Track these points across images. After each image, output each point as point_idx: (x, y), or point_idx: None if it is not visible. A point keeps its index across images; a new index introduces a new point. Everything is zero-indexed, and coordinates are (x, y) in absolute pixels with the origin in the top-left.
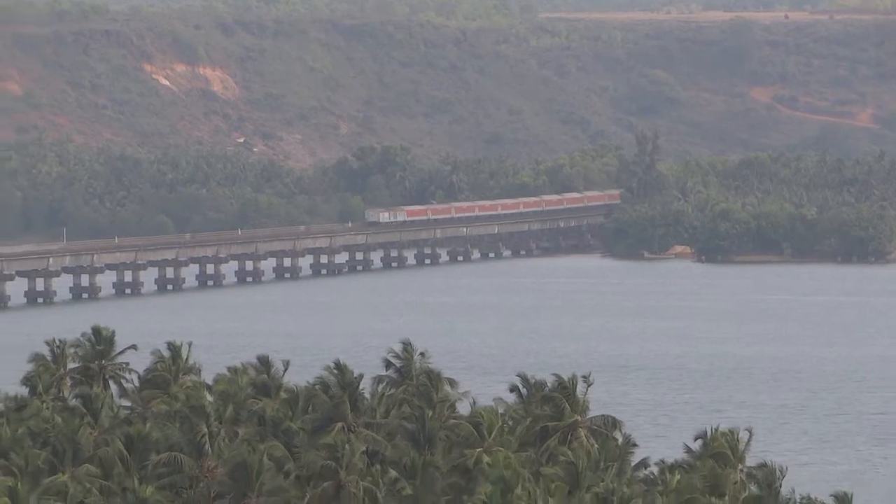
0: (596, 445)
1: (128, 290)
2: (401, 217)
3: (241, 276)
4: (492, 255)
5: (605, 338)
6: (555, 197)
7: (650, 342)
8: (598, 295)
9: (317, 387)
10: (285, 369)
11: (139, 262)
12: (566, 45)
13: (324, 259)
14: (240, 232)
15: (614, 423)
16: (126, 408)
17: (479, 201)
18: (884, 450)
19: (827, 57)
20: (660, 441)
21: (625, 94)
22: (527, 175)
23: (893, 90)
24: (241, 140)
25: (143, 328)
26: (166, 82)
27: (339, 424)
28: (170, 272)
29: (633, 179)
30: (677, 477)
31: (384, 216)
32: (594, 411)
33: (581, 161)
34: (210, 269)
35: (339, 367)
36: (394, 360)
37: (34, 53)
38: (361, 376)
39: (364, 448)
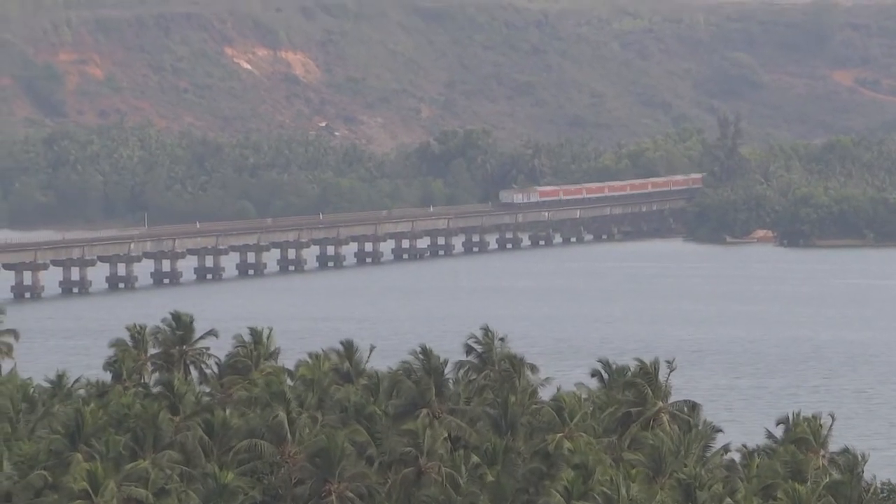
0: (678, 431)
1: (209, 276)
2: (534, 198)
3: (323, 261)
4: (573, 239)
5: (682, 322)
6: (639, 181)
7: (727, 326)
8: (678, 279)
9: (401, 372)
10: (370, 354)
11: (220, 247)
12: (648, 27)
13: (405, 244)
14: (321, 216)
15: (695, 409)
16: (207, 394)
17: (586, 184)
18: None
19: None
20: (735, 426)
21: (707, 77)
22: (609, 158)
23: None
24: (323, 124)
25: (223, 313)
26: (248, 66)
27: (425, 411)
28: (251, 257)
29: (716, 163)
30: (758, 461)
31: (518, 197)
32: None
33: (663, 145)
34: (291, 254)
35: (426, 352)
36: (475, 346)
37: (116, 37)
38: (447, 362)
39: (446, 434)
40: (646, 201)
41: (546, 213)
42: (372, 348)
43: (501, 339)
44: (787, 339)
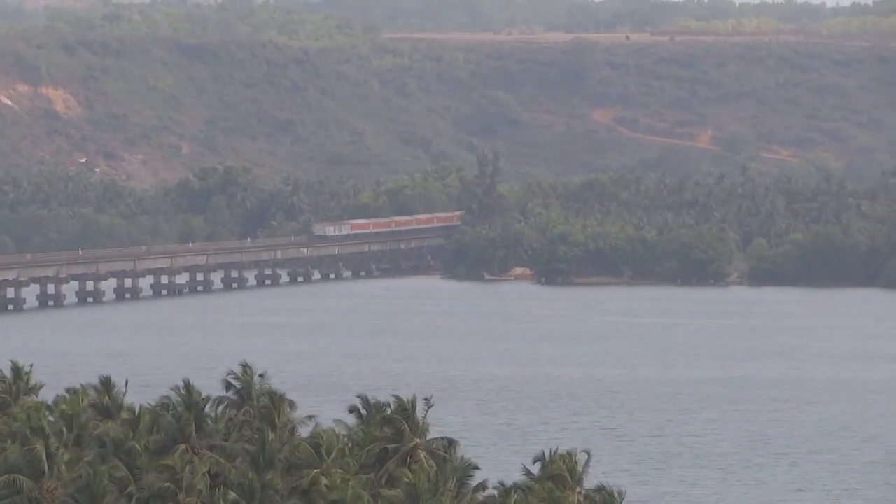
0: (435, 468)
1: None
2: (345, 230)
3: (82, 297)
4: (332, 276)
5: (434, 359)
6: (403, 218)
7: (478, 364)
8: (433, 316)
9: (160, 407)
10: (125, 390)
11: None
12: (408, 65)
13: (164, 279)
14: (80, 252)
15: (452, 445)
16: None
17: (346, 223)
18: (701, 472)
19: (667, 78)
20: (490, 463)
21: (466, 115)
22: (368, 196)
23: (733, 112)
24: (83, 160)
25: None
26: (8, 101)
27: (184, 446)
28: (10, 292)
29: (474, 201)
30: (515, 498)
31: (330, 230)
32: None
33: (422, 182)
34: (51, 289)
35: (187, 387)
36: (234, 382)
37: None
38: (208, 398)
39: (206, 470)
40: (405, 238)
41: (304, 250)
42: (126, 382)
43: (261, 376)
44: (537, 376)
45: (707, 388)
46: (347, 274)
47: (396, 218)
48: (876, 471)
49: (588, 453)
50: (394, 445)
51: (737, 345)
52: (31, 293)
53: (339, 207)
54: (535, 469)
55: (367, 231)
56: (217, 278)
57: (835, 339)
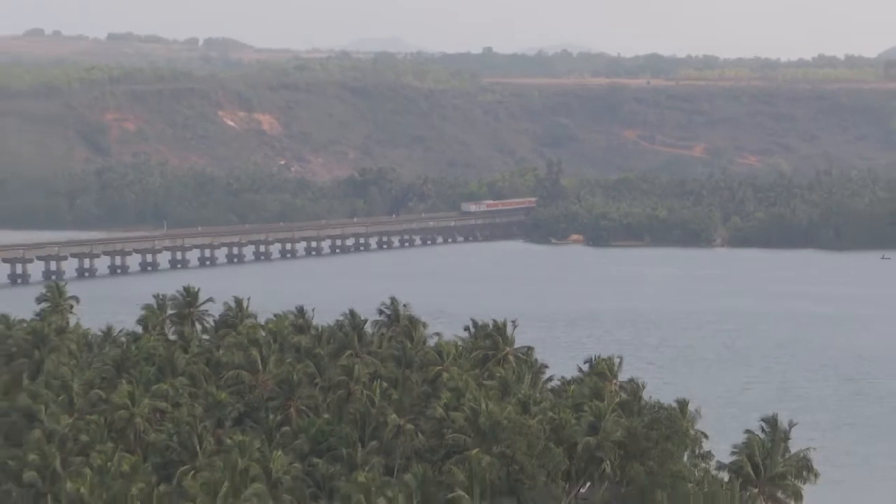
0: (519, 366)
1: (207, 262)
2: (482, 208)
3: (283, 254)
4: (449, 239)
5: (518, 295)
6: (500, 201)
7: (546, 298)
8: (518, 268)
9: (335, 326)
10: (313, 315)
11: (214, 244)
12: (500, 99)
13: (338, 242)
14: (281, 224)
15: (529, 351)
16: (206, 340)
17: (487, 200)
18: (691, 369)
19: (674, 109)
20: (556, 366)
21: (539, 133)
22: (473, 186)
23: (718, 131)
24: (282, 162)
25: (217, 288)
26: (232, 123)
27: (350, 352)
28: (235, 250)
29: (544, 190)
30: (571, 387)
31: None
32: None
33: (510, 178)
34: (262, 248)
35: (352, 313)
36: (385, 309)
37: (144, 103)
38: (366, 320)
39: (367, 368)
40: (499, 215)
41: (431, 222)
42: (314, 310)
43: (404, 306)
44: (587, 307)
45: (698, 316)
46: (461, 238)
47: (501, 200)
48: (811, 368)
49: (621, 358)
50: (492, 352)
51: (718, 286)
52: (248, 251)
53: (454, 194)
54: (585, 368)
55: (494, 209)
56: (373, 242)
57: (784, 284)
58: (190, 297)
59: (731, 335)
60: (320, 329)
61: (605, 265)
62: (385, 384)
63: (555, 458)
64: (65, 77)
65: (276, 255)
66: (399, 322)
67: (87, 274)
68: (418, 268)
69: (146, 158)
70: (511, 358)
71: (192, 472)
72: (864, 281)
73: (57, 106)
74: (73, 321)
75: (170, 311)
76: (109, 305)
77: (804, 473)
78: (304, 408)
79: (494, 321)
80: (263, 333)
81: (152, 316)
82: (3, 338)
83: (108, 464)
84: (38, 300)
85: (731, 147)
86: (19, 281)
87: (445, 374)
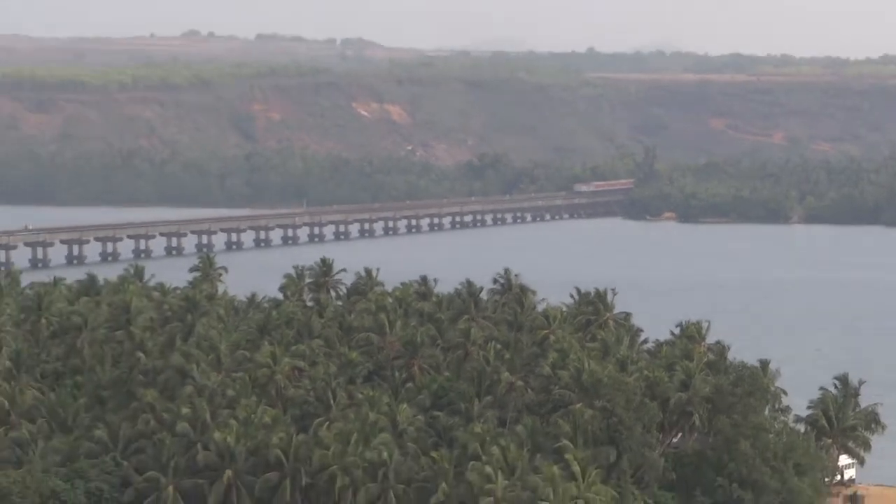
0: (618, 330)
1: (341, 237)
2: (592, 188)
3: (409, 229)
4: (556, 216)
5: (617, 264)
6: (603, 182)
7: (642, 268)
8: (615, 241)
9: (453, 294)
10: (434, 284)
11: (348, 220)
12: (601, 93)
13: (458, 219)
14: (407, 202)
15: (628, 317)
16: (340, 306)
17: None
18: (773, 337)
19: (756, 101)
20: (650, 329)
21: (637, 123)
22: (577, 170)
23: (796, 121)
24: (409, 148)
25: (350, 259)
26: (365, 113)
27: (467, 316)
28: (366, 226)
29: (641, 173)
30: (664, 349)
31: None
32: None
33: (611, 162)
34: (391, 224)
35: (469, 282)
36: (499, 278)
37: (287, 95)
38: (482, 288)
39: (483, 332)
40: (600, 195)
41: (540, 202)
42: (436, 281)
43: (516, 275)
44: (678, 275)
45: (776, 285)
46: (566, 216)
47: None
48: (879, 332)
49: (708, 322)
50: (594, 317)
51: (795, 258)
52: (378, 227)
53: (561, 177)
54: (676, 331)
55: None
56: (489, 218)
57: (853, 257)
58: (325, 267)
59: (805, 302)
60: (441, 296)
61: (694, 239)
62: (498, 345)
63: (650, 411)
64: (218, 73)
65: (402, 230)
66: (511, 290)
67: (234, 247)
68: (529, 242)
69: (289, 144)
70: (611, 322)
71: (327, 423)
72: None
73: (210, 98)
74: (221, 289)
75: (308, 280)
76: (254, 275)
77: (872, 426)
78: (426, 366)
79: (596, 289)
80: (390, 300)
81: (292, 284)
82: (159, 303)
83: (252, 416)
84: (191, 270)
85: (807, 135)
86: (174, 252)
87: (552, 337)
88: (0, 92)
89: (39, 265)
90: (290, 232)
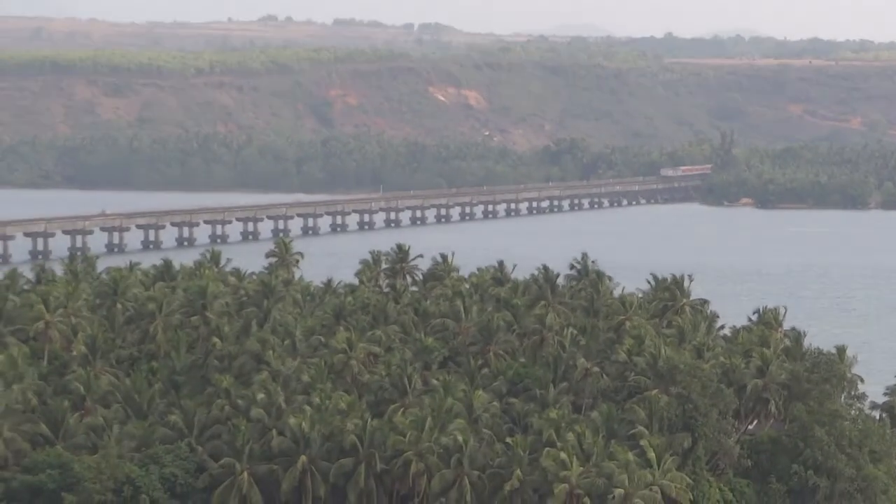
0: (694, 317)
1: (418, 222)
2: (679, 173)
3: (486, 214)
4: (633, 202)
5: (696, 250)
6: (683, 167)
7: (720, 254)
8: (693, 226)
9: (530, 279)
10: (513, 269)
11: (424, 205)
12: (679, 78)
13: (534, 204)
14: (484, 188)
15: (705, 303)
16: (416, 291)
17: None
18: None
19: (834, 86)
20: (729, 316)
21: (714, 108)
22: (655, 156)
23: (875, 107)
24: (486, 133)
25: (426, 245)
26: (442, 98)
27: (543, 302)
28: (443, 211)
29: (718, 159)
30: (741, 334)
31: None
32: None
33: (689, 147)
34: (467, 209)
35: (546, 267)
36: (576, 264)
37: (364, 80)
38: (559, 273)
39: (559, 317)
40: (677, 180)
41: (618, 187)
42: (514, 267)
43: (593, 261)
44: (757, 261)
45: (854, 270)
46: (643, 201)
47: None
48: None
49: (785, 308)
50: (670, 303)
51: (872, 244)
52: (455, 212)
53: (638, 163)
54: (753, 318)
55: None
56: (566, 204)
57: None
58: (402, 253)
59: (881, 288)
60: (517, 282)
61: (772, 225)
62: (574, 331)
63: (726, 398)
64: (295, 58)
65: (479, 215)
66: (588, 276)
67: (310, 232)
68: (606, 227)
69: (366, 129)
70: (687, 309)
71: (402, 409)
72: None
73: (288, 83)
74: (297, 274)
75: (384, 266)
76: (330, 260)
77: None
78: (501, 352)
79: (673, 275)
80: (467, 286)
81: (368, 270)
82: (235, 289)
83: (327, 401)
84: (268, 255)
85: (885, 120)
86: (251, 238)
87: (628, 323)
88: (77, 77)
89: (116, 250)
90: (366, 217)
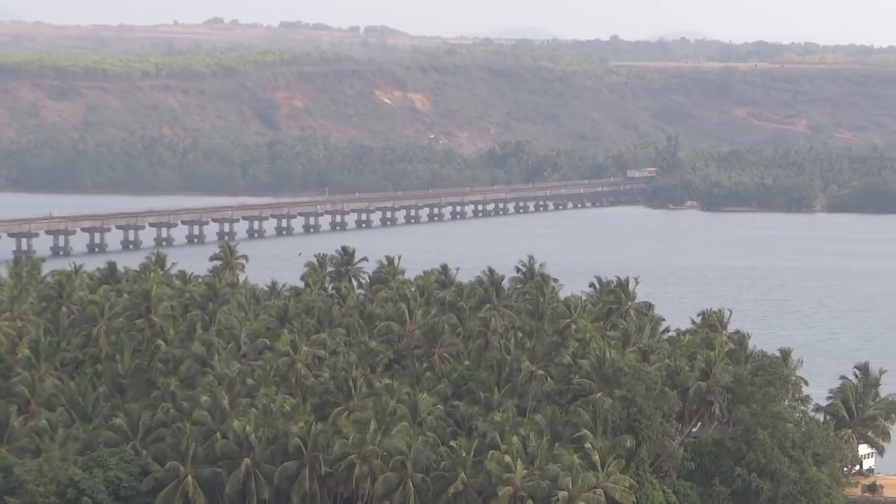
0: (639, 319)
1: (363, 225)
2: (642, 174)
3: (431, 217)
4: (578, 205)
5: (639, 253)
6: (646, 169)
7: (663, 256)
8: (638, 229)
9: (475, 282)
10: (455, 272)
11: (370, 208)
12: (625, 81)
13: (480, 207)
14: (430, 191)
15: (649, 306)
16: (361, 295)
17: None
18: (802, 326)
19: (779, 89)
20: (672, 317)
21: (659, 111)
22: (600, 158)
23: (820, 109)
24: (432, 136)
25: (372, 248)
26: (388, 101)
27: (488, 305)
28: (388, 214)
29: (664, 162)
30: (686, 337)
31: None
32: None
33: (633, 151)
34: (413, 212)
35: (491, 270)
36: (521, 267)
37: (310, 83)
38: (504, 276)
39: (504, 320)
40: (622, 183)
41: (563, 189)
42: (458, 270)
43: (540, 264)
44: (700, 264)
45: (797, 272)
46: (588, 203)
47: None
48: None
49: (730, 311)
50: (615, 306)
51: (816, 247)
52: (400, 215)
53: (583, 166)
54: (698, 320)
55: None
56: (511, 207)
57: (875, 245)
58: (347, 255)
59: (824, 290)
60: (462, 285)
61: (717, 228)
62: (519, 334)
63: (670, 400)
64: (241, 60)
65: (424, 218)
66: (533, 278)
67: (256, 235)
68: (551, 230)
69: (311, 132)
70: (632, 311)
71: (346, 412)
72: None
73: (233, 86)
74: (242, 277)
75: (329, 269)
76: (275, 263)
77: (892, 416)
78: (446, 355)
79: (618, 278)
80: (412, 289)
81: (313, 273)
82: (180, 291)
83: (271, 404)
84: (212, 258)
85: (830, 123)
86: (196, 241)
87: (573, 326)
88: (22, 79)
89: (61, 253)
90: (311, 220)
